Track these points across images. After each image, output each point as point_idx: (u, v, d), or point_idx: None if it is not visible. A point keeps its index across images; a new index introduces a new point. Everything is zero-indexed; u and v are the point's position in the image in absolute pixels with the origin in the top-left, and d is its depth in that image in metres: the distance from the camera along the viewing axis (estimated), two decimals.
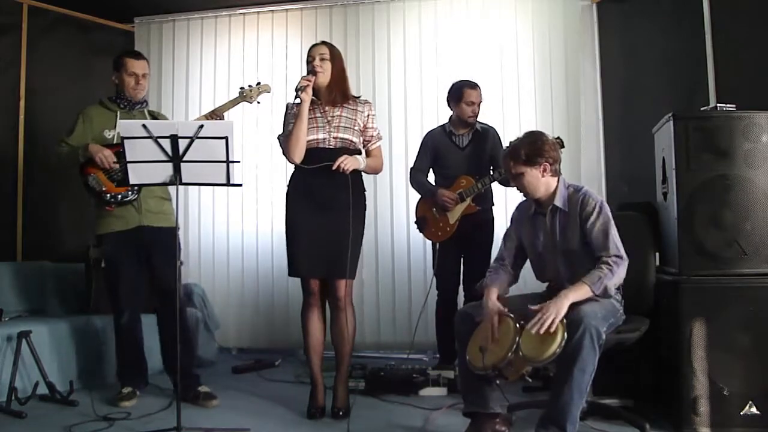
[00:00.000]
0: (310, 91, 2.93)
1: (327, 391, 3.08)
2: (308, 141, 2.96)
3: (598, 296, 2.44)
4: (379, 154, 3.18)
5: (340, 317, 3.03)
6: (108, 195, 3.18)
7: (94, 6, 4.65)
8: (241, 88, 3.25)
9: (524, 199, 2.75)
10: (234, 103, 3.25)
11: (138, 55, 3.37)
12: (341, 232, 2.92)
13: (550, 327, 2.31)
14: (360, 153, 3.08)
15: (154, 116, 3.41)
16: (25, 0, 4.39)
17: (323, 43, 3.10)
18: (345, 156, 2.94)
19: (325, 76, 3.00)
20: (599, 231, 2.53)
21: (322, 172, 2.94)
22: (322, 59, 3.00)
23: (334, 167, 2.90)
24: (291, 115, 3.04)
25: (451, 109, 3.74)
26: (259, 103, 3.29)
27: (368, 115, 3.09)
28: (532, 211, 2.72)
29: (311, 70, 2.98)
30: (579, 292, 2.41)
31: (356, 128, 3.04)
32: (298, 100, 2.94)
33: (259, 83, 3.27)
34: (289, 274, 3.07)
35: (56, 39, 4.57)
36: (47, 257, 4.20)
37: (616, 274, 2.45)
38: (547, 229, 2.66)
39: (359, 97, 3.13)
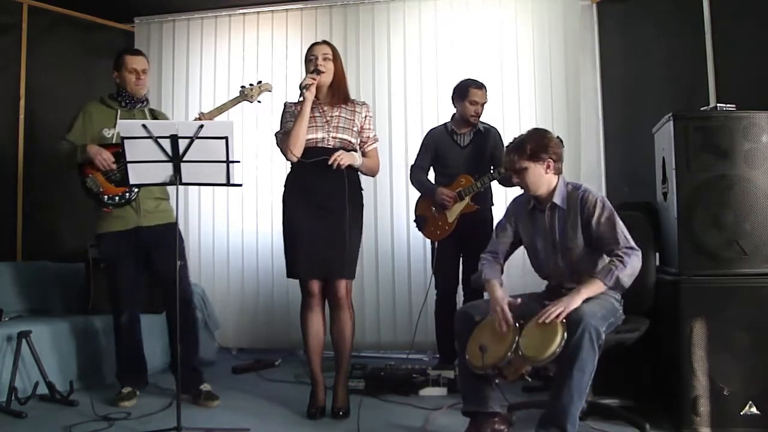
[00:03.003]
0: (314, 89, 2.93)
1: (327, 391, 3.08)
2: (307, 140, 2.96)
3: (612, 289, 2.45)
4: (376, 156, 3.17)
5: (340, 317, 3.03)
6: (106, 197, 3.18)
7: (94, 6, 4.65)
8: (242, 86, 3.24)
9: (521, 193, 2.75)
10: (235, 102, 3.23)
11: (136, 52, 3.41)
12: (339, 232, 2.92)
13: (556, 318, 2.33)
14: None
15: (155, 115, 3.41)
16: (25, 0, 4.39)
17: (325, 42, 3.10)
18: (341, 151, 2.94)
19: (328, 75, 3.00)
20: (606, 226, 2.53)
21: (320, 171, 2.93)
22: (325, 59, 3.00)
23: (330, 162, 2.89)
24: (290, 113, 3.04)
25: (455, 107, 3.73)
26: (260, 102, 3.28)
27: (365, 117, 3.09)
28: (530, 206, 2.72)
29: (315, 69, 2.97)
30: (592, 288, 2.43)
31: (354, 129, 3.04)
32: (301, 98, 2.93)
33: (260, 82, 3.25)
34: (288, 276, 3.06)
35: (56, 39, 4.57)
36: (47, 257, 4.20)
37: (629, 265, 2.45)
38: (546, 227, 2.66)
39: (354, 100, 3.13)
